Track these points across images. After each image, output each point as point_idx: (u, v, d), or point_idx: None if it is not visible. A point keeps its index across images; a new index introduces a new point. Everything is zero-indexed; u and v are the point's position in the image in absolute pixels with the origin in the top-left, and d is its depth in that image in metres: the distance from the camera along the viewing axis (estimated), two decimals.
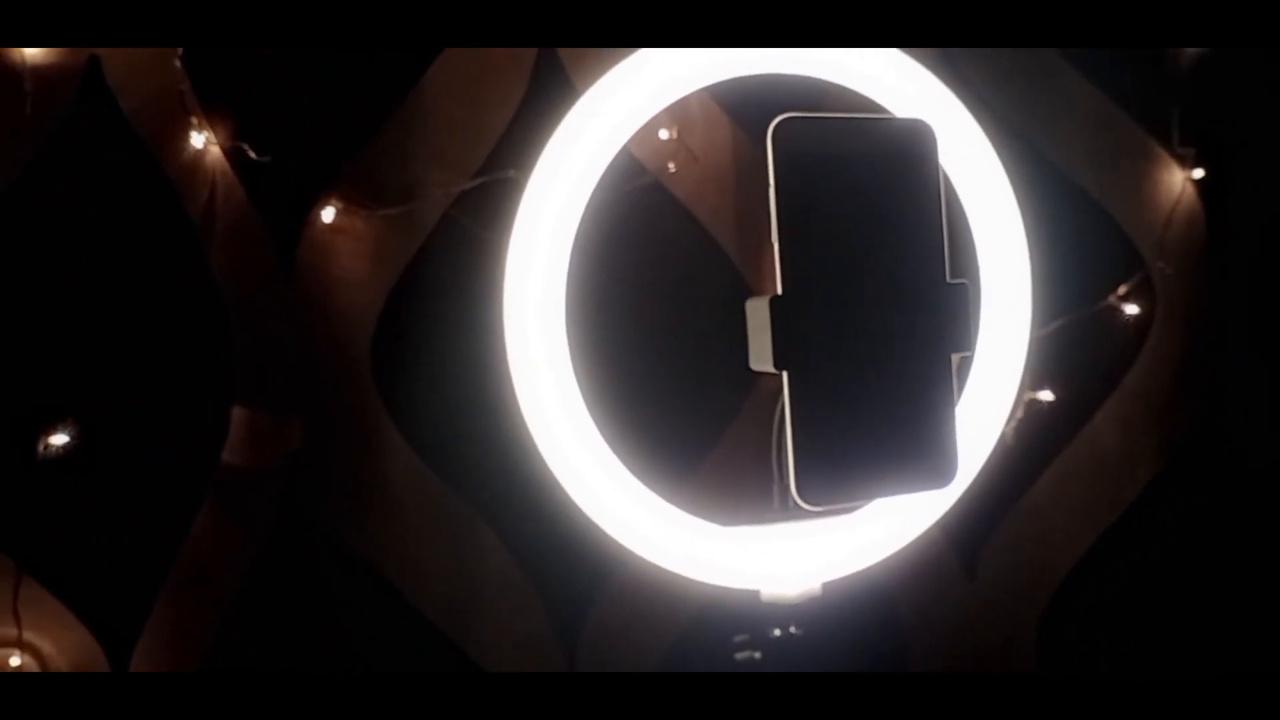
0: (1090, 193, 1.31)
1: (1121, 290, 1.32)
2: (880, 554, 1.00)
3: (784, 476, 0.83)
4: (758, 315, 0.80)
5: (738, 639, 0.99)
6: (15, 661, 1.04)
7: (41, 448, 1.03)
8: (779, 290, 0.79)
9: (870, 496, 0.87)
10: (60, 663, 1.05)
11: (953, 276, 0.84)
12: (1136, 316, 1.32)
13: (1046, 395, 1.28)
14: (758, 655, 0.97)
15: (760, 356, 0.81)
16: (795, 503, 0.80)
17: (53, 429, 1.03)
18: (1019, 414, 1.25)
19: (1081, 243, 1.27)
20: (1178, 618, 1.37)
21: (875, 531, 0.99)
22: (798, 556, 0.97)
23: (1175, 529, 1.38)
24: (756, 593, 0.97)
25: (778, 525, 0.95)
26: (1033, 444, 1.30)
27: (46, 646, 1.05)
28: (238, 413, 1.10)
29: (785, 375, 0.80)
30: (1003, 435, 1.11)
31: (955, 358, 0.85)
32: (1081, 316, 1.29)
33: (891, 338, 0.83)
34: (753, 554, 0.96)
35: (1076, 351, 1.29)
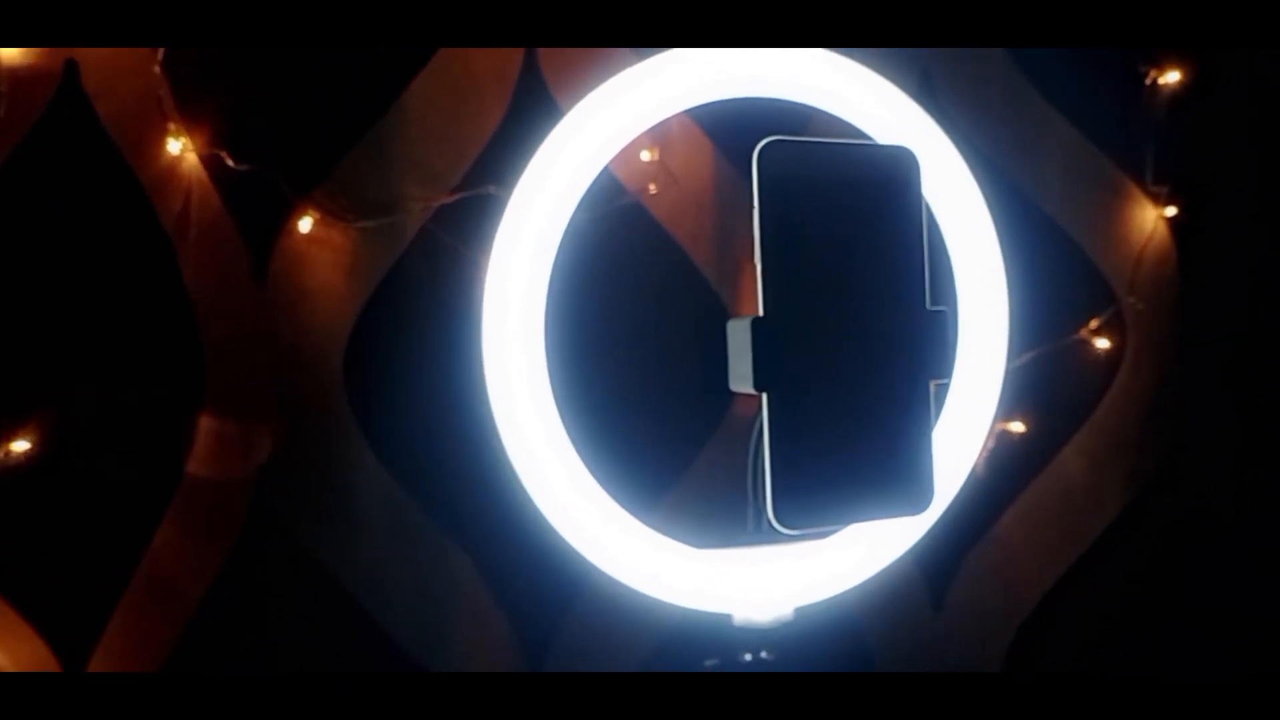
0: (1063, 227, 1.32)
1: (1093, 324, 1.33)
2: (853, 580, 1.00)
3: (759, 499, 0.82)
4: (739, 336, 0.80)
5: (709, 663, 0.98)
6: None
7: (2, 454, 1.01)
8: (760, 312, 0.79)
9: (846, 521, 0.86)
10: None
11: (932, 304, 0.84)
12: (1107, 351, 1.33)
13: (1017, 426, 1.29)
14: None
15: (740, 377, 0.81)
16: (771, 525, 0.79)
17: (15, 435, 1.01)
18: (989, 444, 1.26)
19: (1054, 277, 1.28)
20: (1143, 651, 1.37)
21: (848, 557, 0.99)
22: (770, 580, 0.96)
23: (1141, 564, 1.39)
24: (729, 616, 0.96)
25: (751, 548, 0.95)
26: (1002, 475, 1.31)
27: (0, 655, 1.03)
28: (205, 423, 1.09)
29: (765, 397, 0.79)
30: (974, 465, 1.11)
31: (933, 384, 0.85)
32: (1052, 349, 1.30)
33: (871, 362, 0.83)
34: (726, 577, 0.96)
35: (1047, 384, 1.30)
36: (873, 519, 0.85)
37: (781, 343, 0.80)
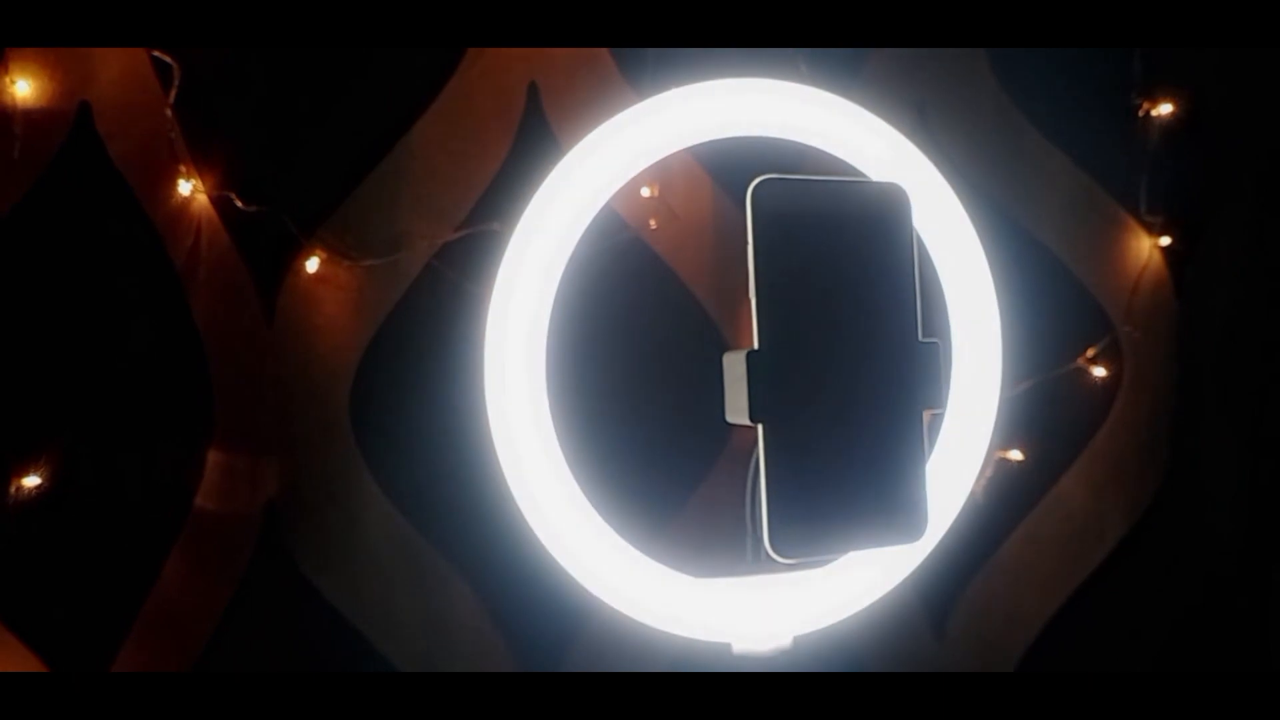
0: (1059, 257, 1.34)
1: (1090, 353, 1.34)
2: (852, 609, 1.01)
3: (757, 529, 0.84)
4: (734, 369, 0.82)
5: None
6: None
7: (13, 489, 1.02)
8: (756, 345, 0.81)
9: (842, 550, 0.88)
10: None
11: (925, 335, 0.86)
12: (1104, 379, 1.35)
13: (1016, 454, 1.30)
14: None
15: (736, 409, 0.82)
16: (768, 555, 0.81)
17: (25, 470, 1.03)
18: (988, 473, 1.27)
19: (1050, 306, 1.29)
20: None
21: (847, 586, 1.00)
22: (769, 609, 0.97)
23: (1142, 591, 1.39)
24: (728, 645, 0.97)
25: (750, 578, 0.96)
26: (1002, 503, 1.32)
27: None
28: (214, 457, 1.11)
29: (760, 428, 0.81)
30: (973, 494, 1.13)
31: (926, 414, 0.86)
32: (1050, 378, 1.32)
33: (864, 393, 0.84)
34: (725, 606, 0.97)
35: (1045, 412, 1.32)
36: (868, 548, 0.86)
37: (776, 375, 0.81)
